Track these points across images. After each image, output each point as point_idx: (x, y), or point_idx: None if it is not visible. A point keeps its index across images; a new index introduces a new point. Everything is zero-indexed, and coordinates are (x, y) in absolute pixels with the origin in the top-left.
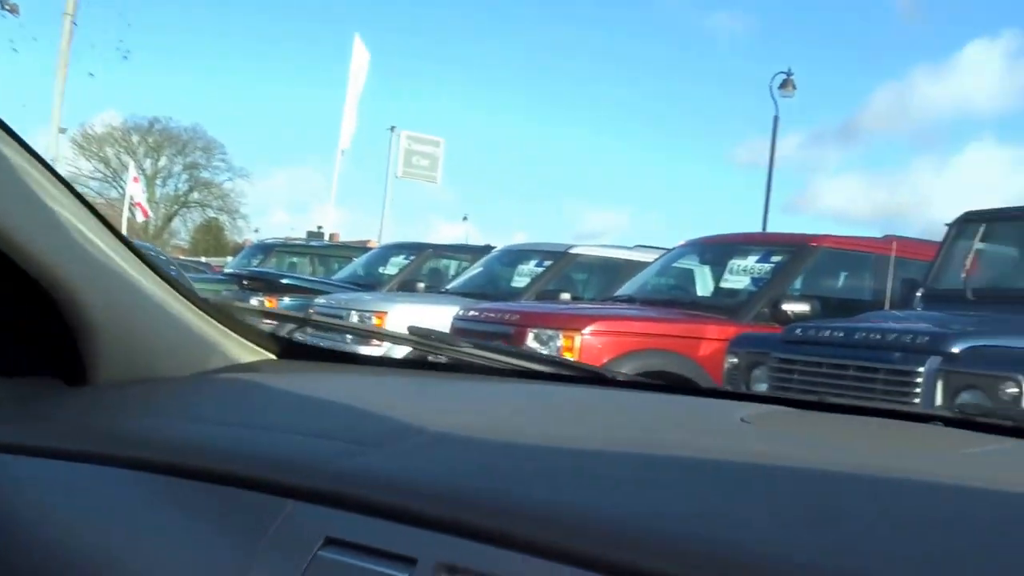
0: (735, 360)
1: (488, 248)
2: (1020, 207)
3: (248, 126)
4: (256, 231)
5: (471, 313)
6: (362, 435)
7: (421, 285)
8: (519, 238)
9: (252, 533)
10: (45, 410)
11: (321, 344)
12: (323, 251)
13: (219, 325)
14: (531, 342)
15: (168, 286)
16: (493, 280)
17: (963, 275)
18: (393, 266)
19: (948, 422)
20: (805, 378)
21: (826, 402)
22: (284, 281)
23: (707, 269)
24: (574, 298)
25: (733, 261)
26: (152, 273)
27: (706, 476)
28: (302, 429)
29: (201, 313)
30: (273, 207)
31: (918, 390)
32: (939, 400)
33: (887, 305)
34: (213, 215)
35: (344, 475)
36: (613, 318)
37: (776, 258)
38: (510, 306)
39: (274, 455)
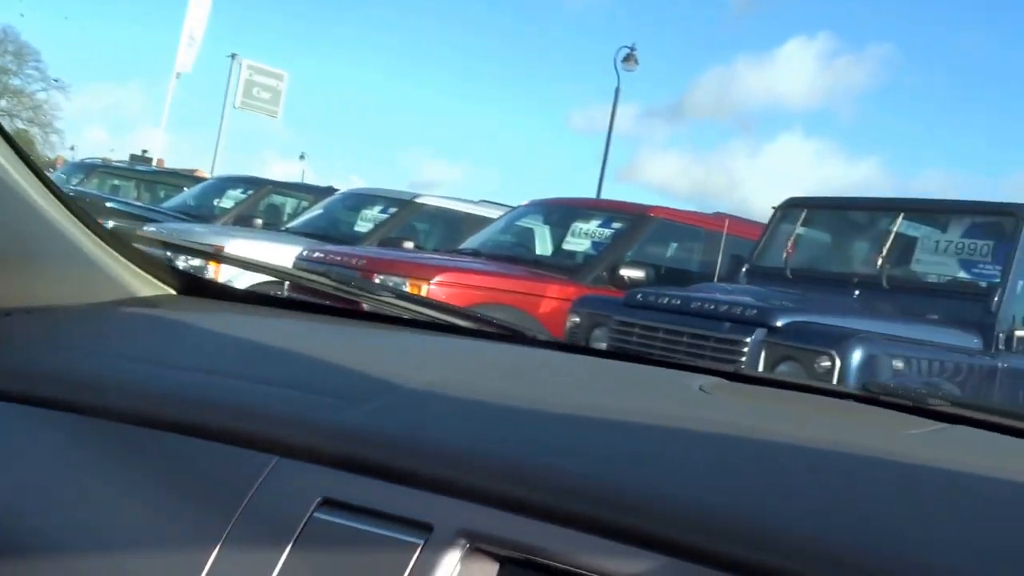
0: (577, 320)
1: (331, 190)
2: (839, 197)
3: (69, 35)
4: (72, 148)
5: (315, 254)
6: (328, 388)
7: (258, 221)
8: (355, 182)
9: (229, 489)
10: None
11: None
12: (150, 177)
13: (119, 256)
14: None
15: (68, 211)
16: (335, 223)
17: (784, 255)
18: (229, 199)
19: (859, 399)
20: (643, 341)
21: (759, 376)
22: (109, 205)
23: (549, 230)
24: (417, 247)
25: (575, 224)
26: (53, 196)
27: (706, 447)
28: (255, 377)
29: (100, 242)
30: (91, 125)
31: (743, 358)
32: (760, 368)
33: (716, 278)
34: (22, 126)
35: (339, 432)
36: (460, 270)
37: (616, 224)
38: (355, 250)
39: (252, 406)
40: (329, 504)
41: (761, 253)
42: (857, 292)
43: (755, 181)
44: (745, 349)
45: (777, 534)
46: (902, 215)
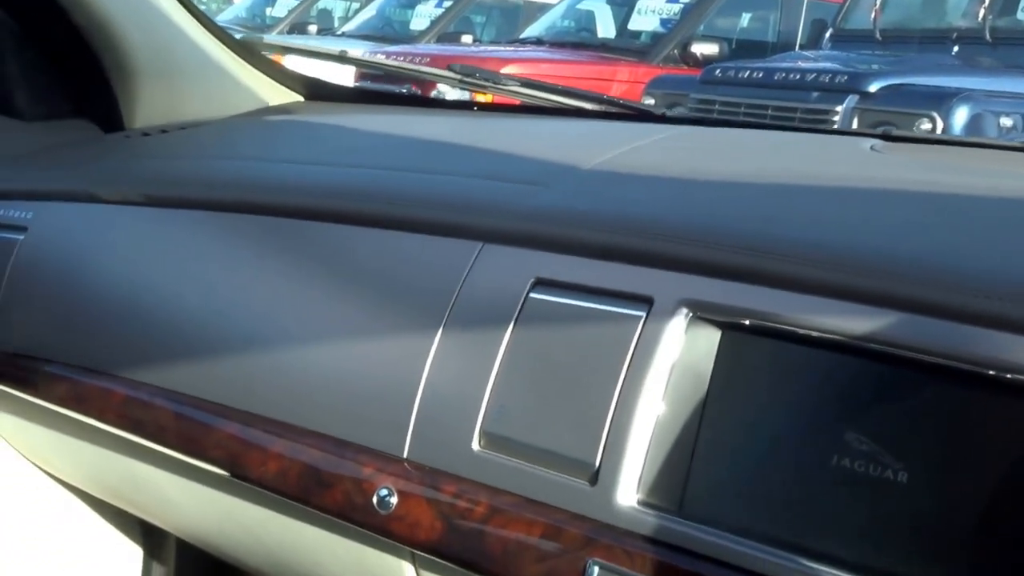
0: (652, 102)
1: None
2: None
3: None
4: None
5: (378, 56)
6: (511, 175)
7: (313, 28)
8: None
9: (440, 278)
10: (86, 157)
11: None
12: None
13: (250, 66)
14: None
15: (200, 25)
16: (390, 22)
17: (872, 15)
18: (282, 7)
19: None
20: (724, 118)
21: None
22: None
23: (612, 10)
24: (476, 41)
25: (641, 2)
26: (185, 11)
27: (908, 204)
28: (428, 169)
29: (233, 54)
30: None
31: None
32: None
33: (797, 47)
34: None
35: (541, 213)
36: (528, 60)
37: None
38: (418, 49)
39: (445, 195)
40: (544, 284)
41: (846, 15)
42: (956, 48)
43: None
44: (836, 119)
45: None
46: None
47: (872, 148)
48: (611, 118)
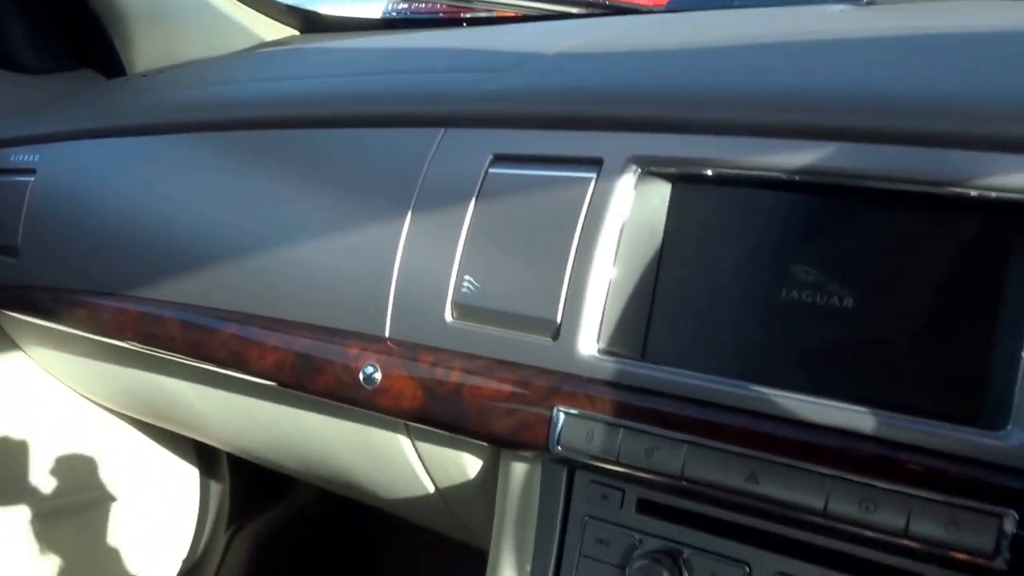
0: None
1: None
2: None
3: None
4: None
5: None
6: (474, 66)
7: None
8: None
9: (407, 165)
10: (86, 100)
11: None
12: None
13: (242, 4)
14: None
15: None
16: None
17: None
18: None
19: None
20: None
21: None
22: None
23: None
24: None
25: None
26: None
27: (874, 45)
28: (412, 68)
29: None
30: None
31: None
32: None
33: None
34: None
35: (498, 94)
36: None
37: None
38: None
39: (410, 89)
40: (501, 159)
41: None
42: None
43: None
44: None
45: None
46: None
47: (840, 11)
48: (602, 14)
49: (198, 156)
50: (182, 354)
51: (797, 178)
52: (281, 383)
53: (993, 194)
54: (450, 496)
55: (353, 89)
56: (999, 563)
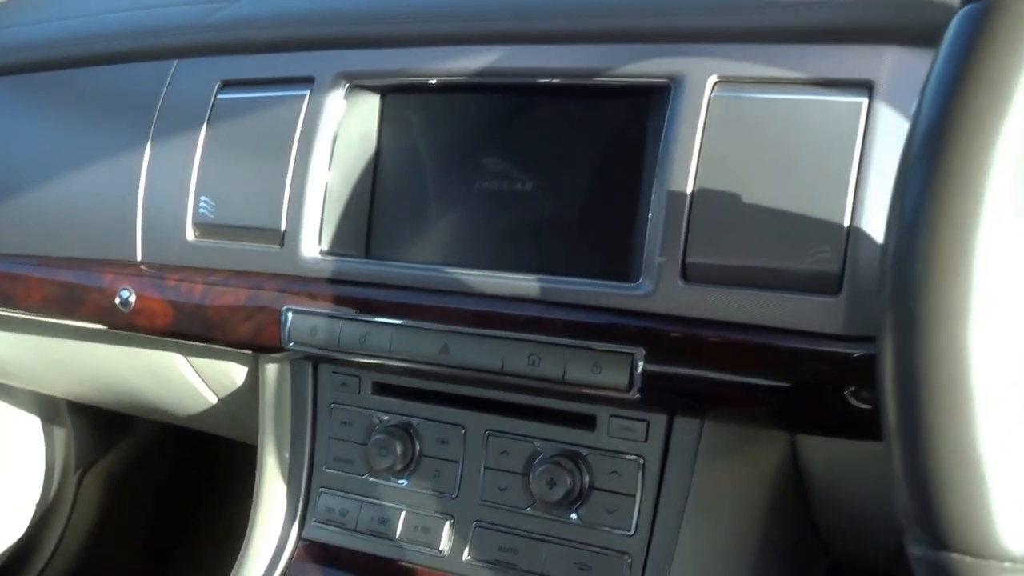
0: None
1: None
2: None
3: None
4: None
5: None
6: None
7: None
8: None
9: (145, 98)
10: None
11: None
12: None
13: None
14: None
15: None
16: None
17: None
18: None
19: None
20: None
21: None
22: None
23: None
24: None
25: None
26: None
27: None
28: (145, 4)
29: None
30: None
31: None
32: None
33: None
34: None
35: (224, 24)
36: None
37: None
38: None
39: (144, 25)
40: (228, 84)
41: None
42: None
43: None
44: None
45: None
46: None
47: None
48: None
49: None
50: None
51: (481, 80)
52: (52, 315)
53: (630, 80)
54: (230, 403)
55: (91, 30)
56: (633, 394)
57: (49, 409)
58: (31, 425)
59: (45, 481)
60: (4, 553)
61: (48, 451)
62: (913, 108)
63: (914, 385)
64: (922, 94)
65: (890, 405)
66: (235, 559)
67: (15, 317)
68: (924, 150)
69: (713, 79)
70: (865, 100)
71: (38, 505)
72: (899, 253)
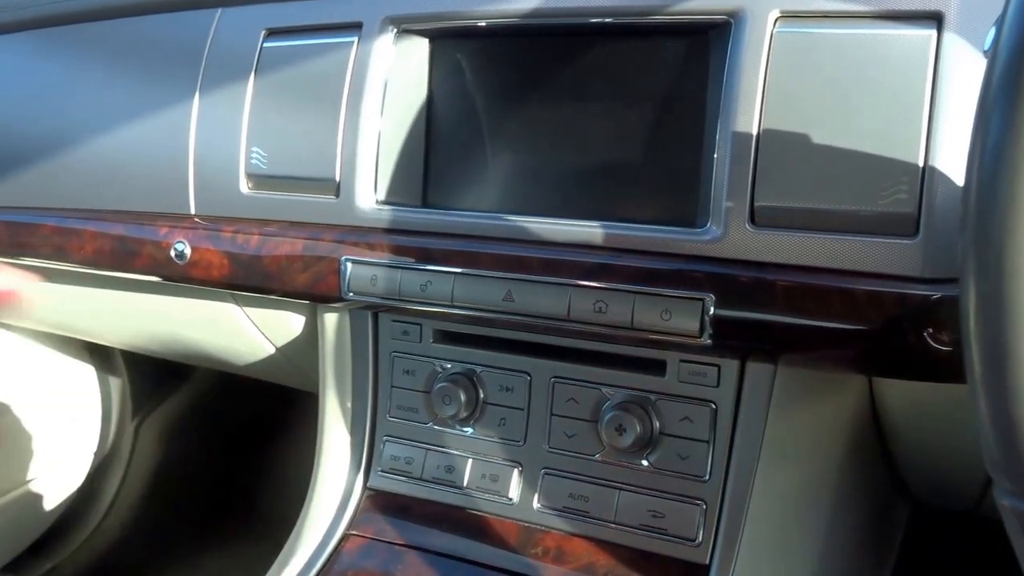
0: None
1: None
2: None
3: None
4: None
5: None
6: None
7: None
8: None
9: (190, 47)
10: None
11: None
12: None
13: None
14: None
15: None
16: None
17: None
18: None
19: None
20: None
21: None
22: None
23: None
24: None
25: None
26: None
27: None
28: None
29: None
30: None
31: None
32: None
33: None
34: None
35: None
36: None
37: None
38: None
39: None
40: (274, 33)
41: None
42: None
43: None
44: None
45: None
46: None
47: None
48: None
49: (9, 60)
50: (11, 255)
51: (531, 21)
52: (106, 268)
53: (688, 18)
54: (288, 352)
55: None
56: (704, 339)
57: (104, 360)
58: (87, 375)
59: (102, 430)
60: (66, 500)
61: (104, 401)
62: (989, 38)
63: (1001, 329)
64: (1000, 21)
65: (975, 350)
66: (295, 508)
67: (70, 270)
68: (1006, 81)
69: (775, 14)
70: (934, 32)
71: (96, 454)
72: (982, 190)
